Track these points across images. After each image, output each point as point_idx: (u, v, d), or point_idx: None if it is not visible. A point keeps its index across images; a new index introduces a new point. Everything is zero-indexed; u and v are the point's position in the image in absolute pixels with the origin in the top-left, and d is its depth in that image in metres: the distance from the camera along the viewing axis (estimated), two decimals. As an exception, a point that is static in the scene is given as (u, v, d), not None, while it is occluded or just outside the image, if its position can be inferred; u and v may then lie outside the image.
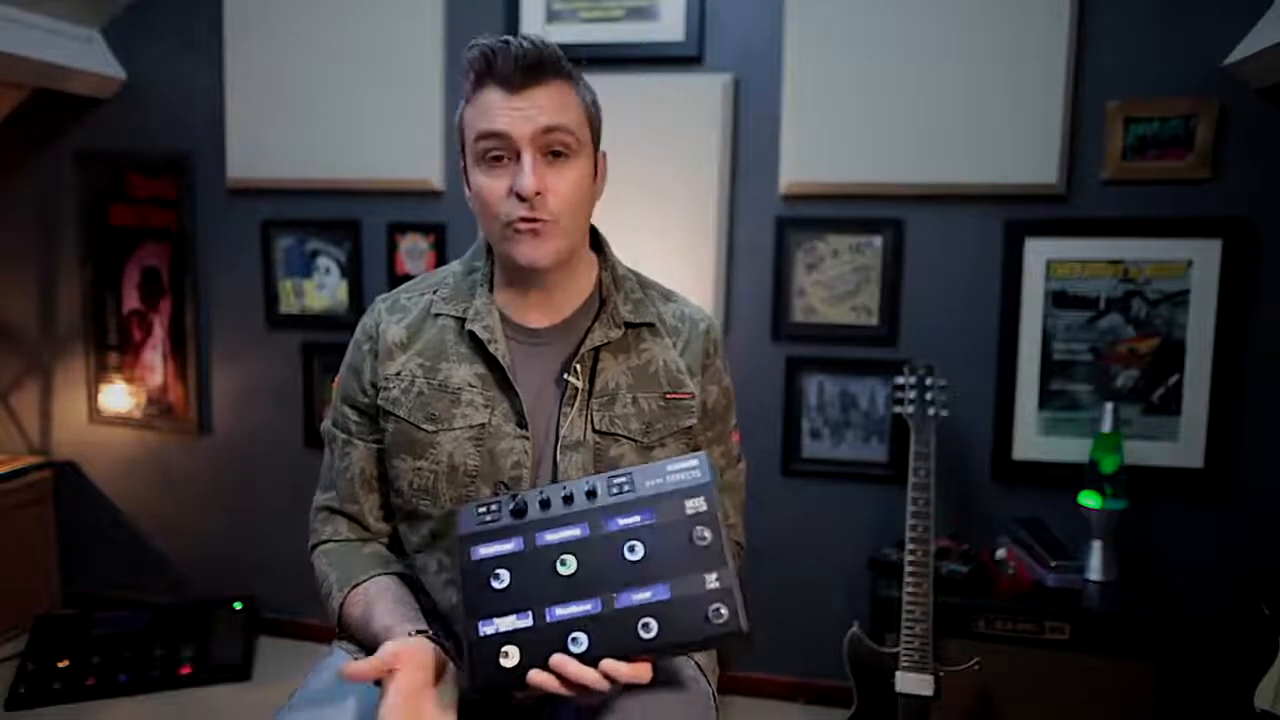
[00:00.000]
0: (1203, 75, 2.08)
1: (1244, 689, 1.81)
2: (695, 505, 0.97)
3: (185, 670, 2.46)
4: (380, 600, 1.11)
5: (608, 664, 0.90)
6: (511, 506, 1.00)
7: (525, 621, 0.93)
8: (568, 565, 0.95)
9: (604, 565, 0.95)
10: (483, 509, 1.01)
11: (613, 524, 0.97)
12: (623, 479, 1.00)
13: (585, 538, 0.97)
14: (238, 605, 2.63)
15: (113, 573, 2.86)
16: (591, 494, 0.99)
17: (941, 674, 1.84)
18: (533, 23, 2.37)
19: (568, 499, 0.99)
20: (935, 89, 2.19)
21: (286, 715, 1.08)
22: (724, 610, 0.92)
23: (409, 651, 0.96)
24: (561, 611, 0.93)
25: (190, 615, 2.60)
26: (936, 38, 2.18)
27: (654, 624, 0.91)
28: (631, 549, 0.95)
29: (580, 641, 0.91)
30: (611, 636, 0.91)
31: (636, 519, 0.97)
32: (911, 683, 1.83)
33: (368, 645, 1.12)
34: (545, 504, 0.99)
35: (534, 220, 1.07)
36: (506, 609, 0.93)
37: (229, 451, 2.75)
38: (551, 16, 2.38)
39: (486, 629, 0.93)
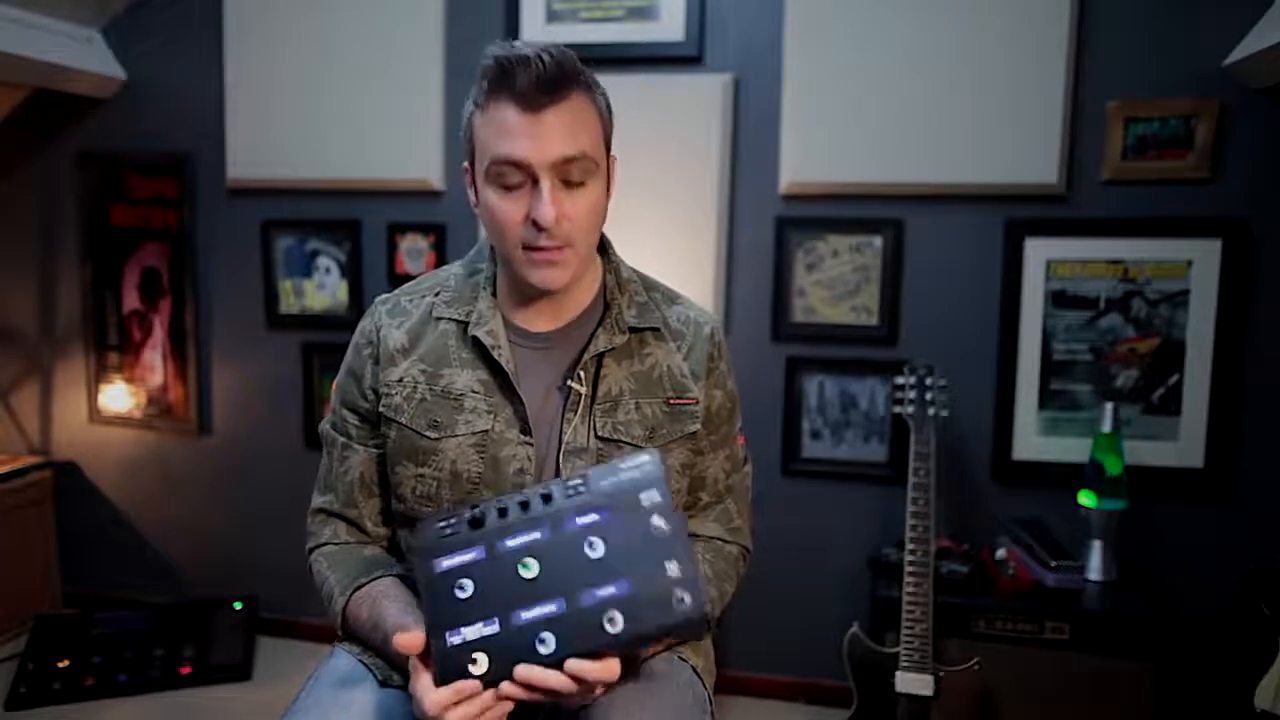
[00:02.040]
0: (1203, 75, 2.09)
1: (1244, 689, 1.81)
2: (650, 497, 0.97)
3: (185, 670, 2.46)
4: (387, 601, 1.10)
5: (573, 664, 0.89)
6: (469, 517, 1.00)
7: (492, 628, 0.92)
8: (530, 568, 0.95)
9: (566, 565, 0.95)
10: (442, 523, 1.01)
11: (571, 524, 0.97)
12: (578, 481, 1.00)
13: (546, 540, 0.96)
14: (238, 605, 2.63)
15: (113, 573, 2.86)
16: (547, 498, 0.99)
17: (941, 674, 1.84)
18: (533, 23, 2.36)
19: (524, 505, 0.99)
20: (935, 89, 2.19)
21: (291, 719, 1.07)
22: (687, 597, 0.92)
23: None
24: (527, 614, 0.92)
25: (190, 615, 2.60)
26: (936, 37, 2.18)
27: (619, 618, 0.91)
28: (592, 546, 0.95)
29: (548, 642, 0.91)
30: (578, 634, 0.91)
31: (594, 517, 0.97)
32: (911, 683, 1.83)
33: (374, 646, 1.12)
34: (503, 513, 0.99)
35: (550, 249, 1.06)
36: (473, 617, 0.93)
37: (229, 451, 2.75)
38: (551, 16, 2.37)
39: (454, 639, 0.92)
